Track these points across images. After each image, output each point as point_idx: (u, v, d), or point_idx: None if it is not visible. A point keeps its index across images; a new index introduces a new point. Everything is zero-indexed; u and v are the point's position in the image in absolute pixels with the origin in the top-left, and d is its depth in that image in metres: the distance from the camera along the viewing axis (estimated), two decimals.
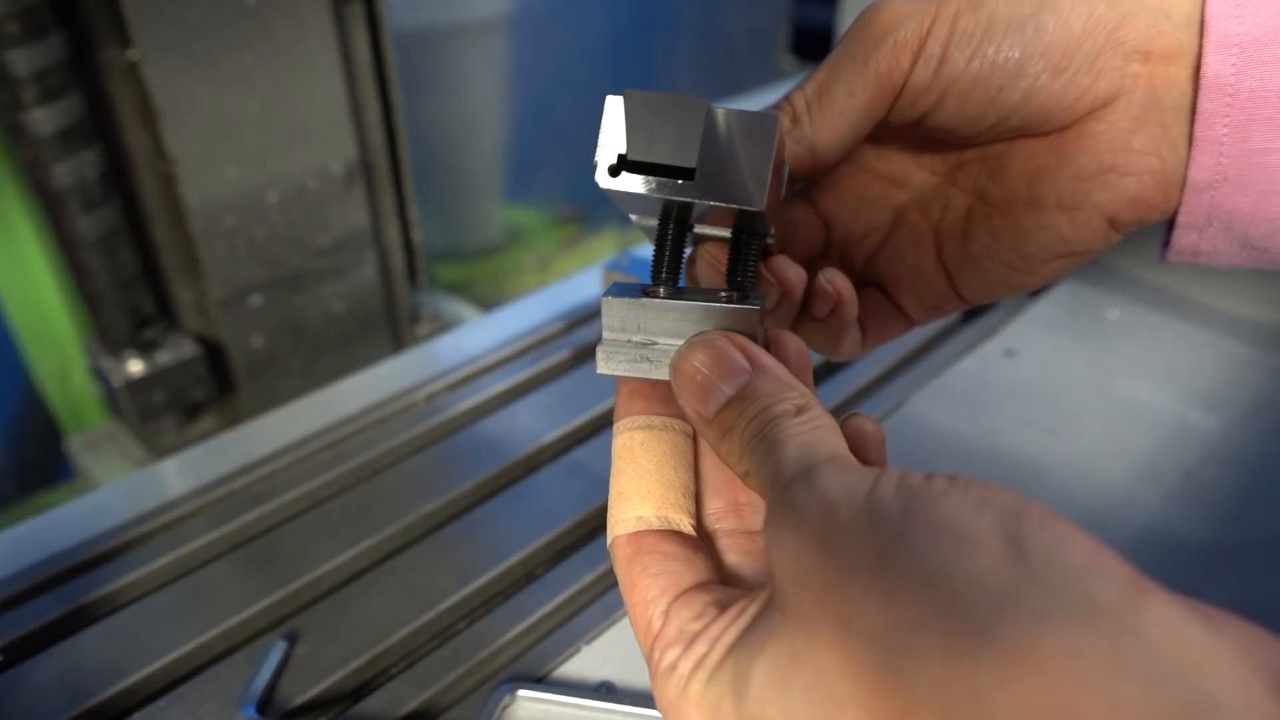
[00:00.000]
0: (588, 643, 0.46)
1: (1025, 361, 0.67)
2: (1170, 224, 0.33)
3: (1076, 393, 0.64)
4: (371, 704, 0.43)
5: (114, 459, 0.94)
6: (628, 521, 0.28)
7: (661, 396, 0.30)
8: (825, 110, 0.32)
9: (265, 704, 0.43)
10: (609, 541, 0.29)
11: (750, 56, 1.70)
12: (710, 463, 0.31)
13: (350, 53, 0.87)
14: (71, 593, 0.49)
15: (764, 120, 0.26)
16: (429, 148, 1.47)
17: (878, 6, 0.31)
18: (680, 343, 0.28)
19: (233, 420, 0.93)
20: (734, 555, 0.30)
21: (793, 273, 0.33)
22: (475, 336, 0.71)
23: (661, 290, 0.30)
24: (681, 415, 0.30)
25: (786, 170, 0.31)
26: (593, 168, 0.28)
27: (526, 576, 0.51)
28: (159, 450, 0.91)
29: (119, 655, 0.45)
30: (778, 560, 0.23)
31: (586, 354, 0.68)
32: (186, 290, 0.87)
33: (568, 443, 0.60)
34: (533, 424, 0.61)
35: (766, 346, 0.29)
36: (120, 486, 0.57)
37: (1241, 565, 0.51)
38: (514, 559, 0.51)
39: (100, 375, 0.87)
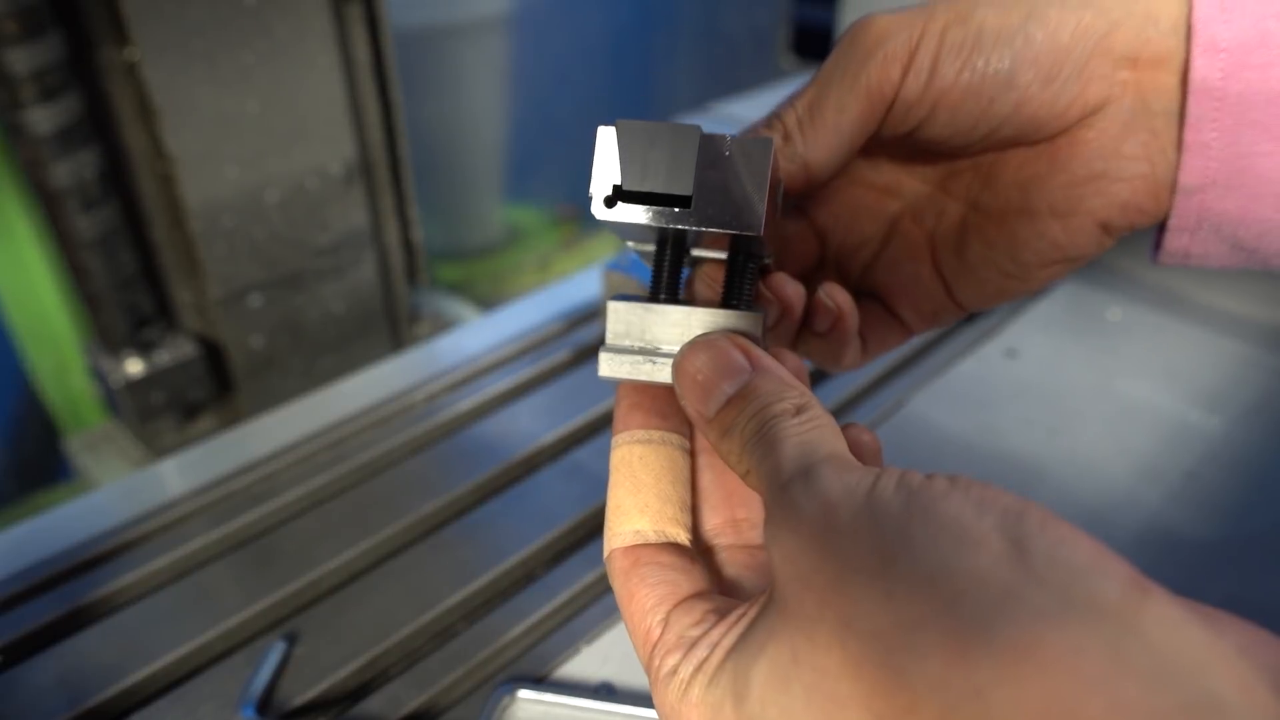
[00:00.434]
0: (588, 643, 0.46)
1: (1026, 362, 0.67)
2: (1161, 226, 0.33)
3: (1077, 393, 0.64)
4: (371, 704, 0.43)
5: (113, 459, 0.94)
6: (625, 535, 0.28)
7: (660, 411, 0.30)
8: (817, 128, 0.32)
9: (265, 704, 0.43)
10: (605, 554, 0.29)
11: (750, 56, 1.70)
12: (708, 478, 0.31)
13: (350, 52, 0.86)
14: (71, 593, 0.49)
15: (758, 145, 0.26)
16: (429, 148, 1.47)
17: (866, 20, 0.31)
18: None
19: (232, 420, 0.93)
20: (732, 569, 0.30)
21: (792, 289, 0.33)
22: (475, 336, 0.71)
23: (662, 296, 0.30)
24: (680, 430, 0.30)
25: (781, 190, 0.31)
26: (588, 200, 0.28)
27: (526, 577, 0.51)
28: (158, 450, 0.91)
29: (118, 656, 0.45)
30: (777, 560, 0.23)
31: (586, 354, 0.68)
32: (186, 290, 0.87)
33: (568, 443, 0.60)
34: (533, 424, 0.61)
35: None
36: (119, 487, 0.57)
37: (1242, 565, 0.51)
38: (514, 559, 0.50)
39: (99, 375, 0.87)
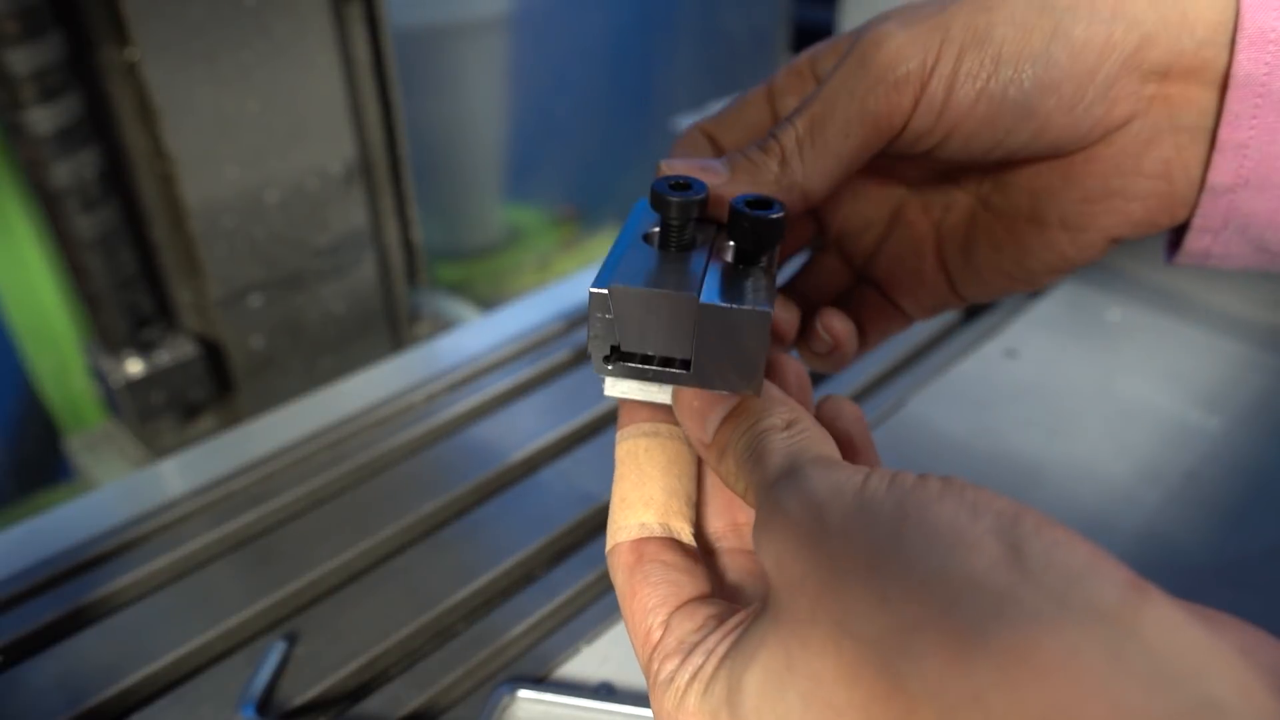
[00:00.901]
0: (588, 643, 0.46)
1: (1026, 362, 0.67)
2: (1180, 226, 0.32)
3: (1077, 393, 0.64)
4: (371, 704, 0.43)
5: (113, 459, 0.94)
6: (630, 528, 0.28)
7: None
8: (818, 153, 0.30)
9: (265, 704, 0.43)
10: (608, 548, 0.29)
11: (750, 56, 1.70)
12: (713, 482, 0.31)
13: (350, 52, 0.86)
14: (70, 593, 0.49)
15: (755, 317, 0.26)
16: (429, 148, 1.47)
17: (877, 38, 0.29)
18: None
19: (232, 420, 0.93)
20: (734, 574, 0.30)
21: (784, 319, 0.33)
22: (475, 336, 0.71)
23: None
24: None
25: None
26: (587, 358, 0.28)
27: (526, 577, 0.51)
28: (158, 450, 0.91)
29: (118, 656, 0.45)
30: (768, 564, 0.22)
31: (586, 354, 0.68)
32: (186, 290, 0.87)
33: (568, 443, 0.60)
34: (533, 424, 0.61)
35: (769, 368, 0.30)
36: (119, 487, 0.57)
37: (1243, 565, 0.51)
38: (514, 559, 0.50)
39: (99, 375, 0.87)
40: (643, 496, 0.29)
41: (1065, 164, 0.31)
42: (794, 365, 0.31)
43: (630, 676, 0.44)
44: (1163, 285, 0.74)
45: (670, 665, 0.25)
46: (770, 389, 0.27)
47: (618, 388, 0.29)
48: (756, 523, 0.24)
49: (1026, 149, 0.30)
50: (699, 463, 0.31)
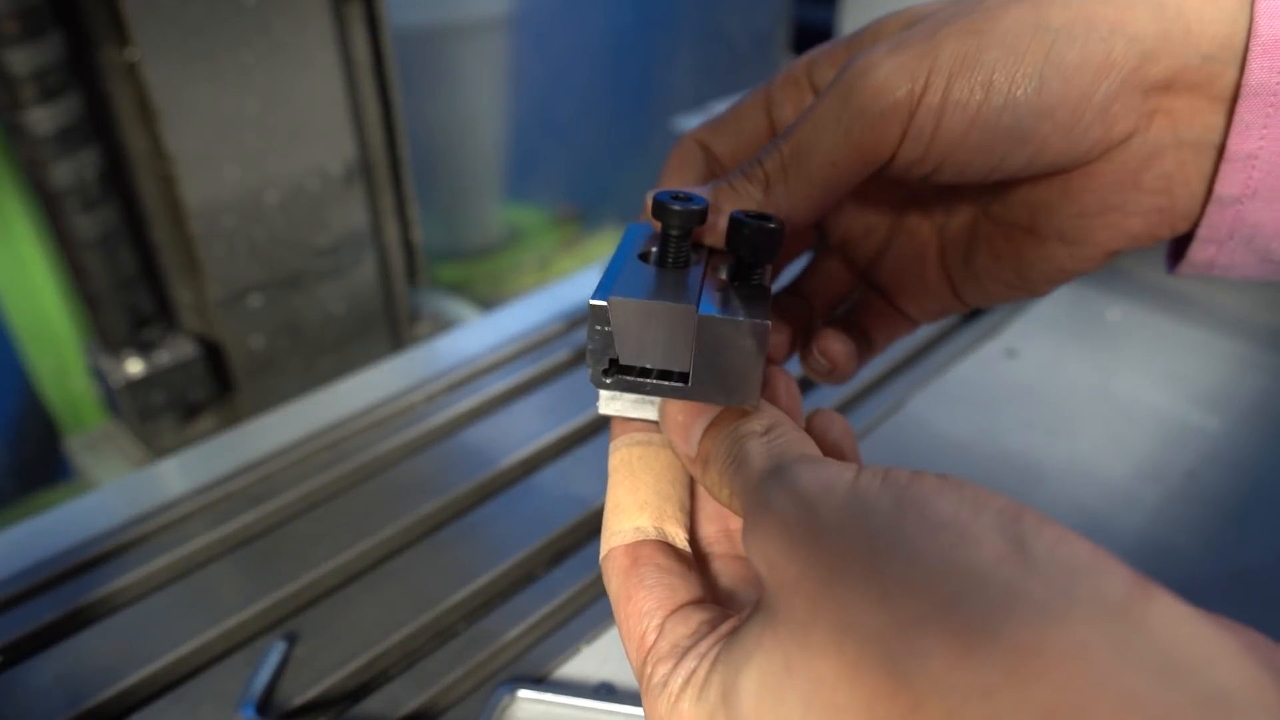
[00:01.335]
0: (588, 643, 0.46)
1: (1026, 362, 0.67)
2: (1183, 236, 0.31)
3: (1077, 394, 0.64)
4: (371, 705, 0.43)
5: (113, 459, 0.94)
6: (625, 532, 0.28)
7: None
8: (802, 182, 0.29)
9: (265, 705, 0.43)
10: (602, 555, 0.29)
11: (750, 56, 1.70)
12: (704, 489, 0.31)
13: (350, 52, 0.86)
14: (70, 593, 0.49)
15: (753, 329, 0.26)
16: (429, 148, 1.47)
17: (864, 66, 0.28)
18: None
19: (232, 420, 0.93)
20: (728, 580, 0.30)
21: (775, 340, 0.34)
22: (475, 336, 0.71)
23: None
24: None
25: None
26: (586, 371, 0.28)
27: (526, 577, 0.51)
28: (158, 450, 0.91)
29: (118, 656, 0.45)
30: (761, 566, 0.22)
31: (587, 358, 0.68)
32: (186, 290, 0.87)
33: (568, 443, 0.60)
34: (533, 424, 0.61)
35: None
36: (119, 487, 0.57)
37: (1243, 566, 0.51)
38: (513, 559, 0.50)
39: (99, 375, 0.87)
40: (637, 501, 0.29)
41: (1063, 180, 0.31)
42: (783, 376, 0.31)
43: (630, 676, 0.44)
44: (1163, 285, 0.74)
45: (663, 669, 0.25)
46: None
47: (611, 406, 0.30)
48: (745, 524, 0.24)
49: (1023, 171, 0.29)
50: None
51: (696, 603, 0.27)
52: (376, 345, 1.01)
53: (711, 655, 0.23)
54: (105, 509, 0.54)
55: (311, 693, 0.44)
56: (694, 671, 0.24)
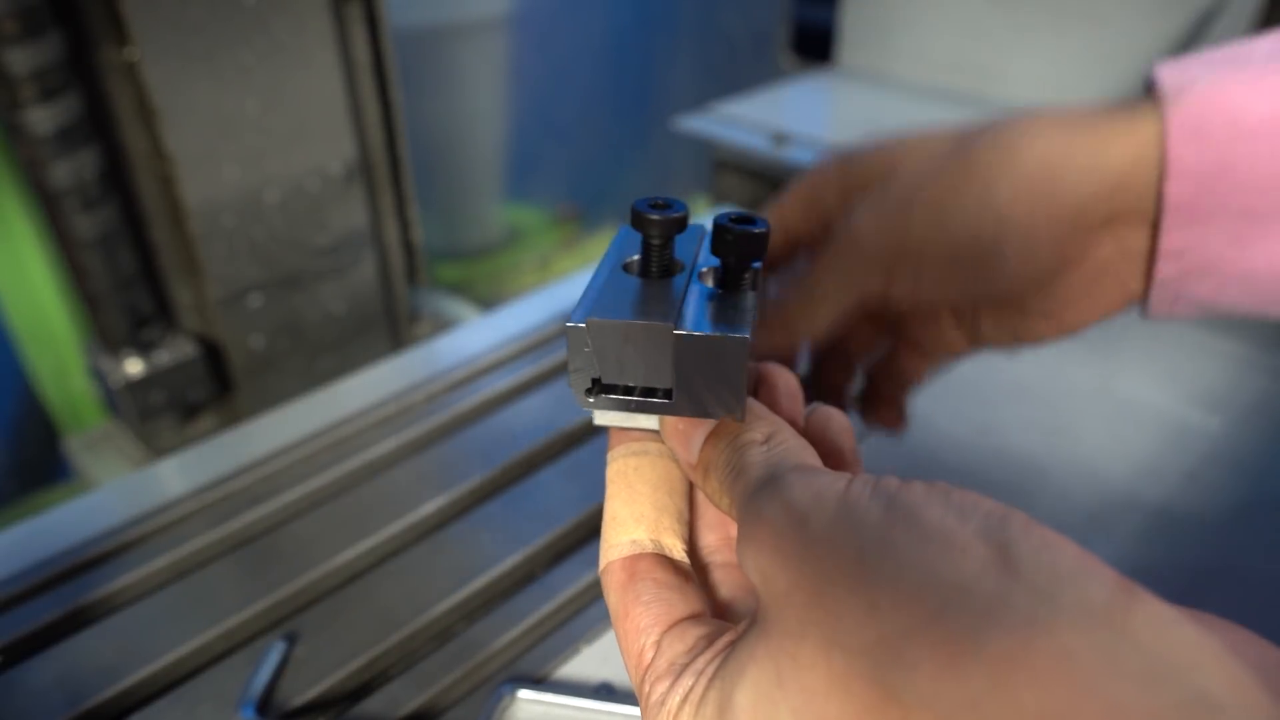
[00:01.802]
0: (587, 643, 0.46)
1: (1026, 362, 0.67)
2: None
3: (1077, 394, 0.64)
4: (371, 705, 0.43)
5: (112, 459, 0.94)
6: (622, 545, 0.28)
7: None
8: (816, 317, 0.38)
9: (264, 705, 0.43)
10: (601, 568, 0.29)
11: (750, 56, 1.70)
12: (704, 497, 0.31)
13: (349, 52, 0.87)
14: (70, 593, 0.49)
15: (732, 344, 0.26)
16: (429, 148, 1.47)
17: (856, 234, 0.36)
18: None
19: (231, 420, 0.93)
20: (727, 589, 0.30)
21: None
22: (475, 336, 0.71)
23: None
24: None
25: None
26: (570, 391, 0.28)
27: (526, 577, 0.51)
28: (158, 450, 0.91)
29: (118, 656, 0.45)
30: (755, 577, 0.22)
31: None
32: (185, 290, 0.87)
33: (568, 443, 0.60)
34: (533, 424, 0.61)
35: (755, 386, 0.31)
36: (119, 487, 0.57)
37: (1243, 566, 0.51)
38: (514, 559, 0.50)
39: (99, 375, 0.87)
40: (634, 514, 0.29)
41: (1035, 284, 0.37)
42: (784, 376, 0.31)
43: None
44: None
45: (661, 687, 0.24)
46: (752, 404, 0.27)
47: (606, 417, 0.29)
48: (739, 535, 0.23)
49: (995, 297, 0.37)
50: (689, 479, 0.31)
51: (693, 617, 0.26)
52: (376, 345, 1.01)
53: (709, 672, 0.23)
54: (105, 509, 0.54)
55: (311, 693, 0.44)
56: (691, 689, 0.24)
